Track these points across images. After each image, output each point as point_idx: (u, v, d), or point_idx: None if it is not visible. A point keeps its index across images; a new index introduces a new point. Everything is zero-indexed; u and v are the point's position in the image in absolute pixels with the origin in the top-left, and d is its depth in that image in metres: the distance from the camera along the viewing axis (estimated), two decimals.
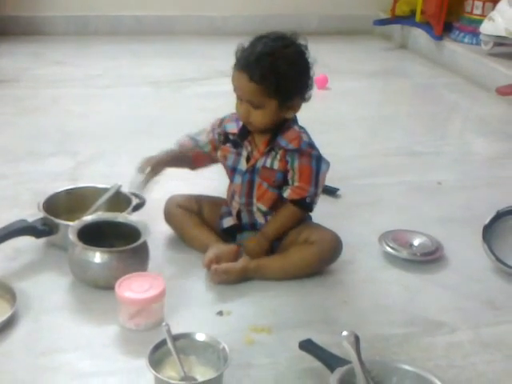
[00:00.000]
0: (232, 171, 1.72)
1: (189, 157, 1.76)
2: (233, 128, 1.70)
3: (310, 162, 1.64)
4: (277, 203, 1.69)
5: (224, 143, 1.72)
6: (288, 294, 1.61)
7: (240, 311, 1.53)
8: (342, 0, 4.35)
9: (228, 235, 1.76)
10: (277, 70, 1.56)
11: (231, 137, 1.71)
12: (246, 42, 1.61)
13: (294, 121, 1.68)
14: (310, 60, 1.63)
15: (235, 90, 1.62)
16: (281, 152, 1.64)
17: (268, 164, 1.66)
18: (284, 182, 1.66)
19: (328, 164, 1.68)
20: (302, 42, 1.63)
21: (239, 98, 1.62)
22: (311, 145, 1.66)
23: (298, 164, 1.63)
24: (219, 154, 1.74)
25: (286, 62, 1.57)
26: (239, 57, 1.60)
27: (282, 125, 1.65)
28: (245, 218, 1.74)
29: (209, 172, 1.83)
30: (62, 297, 1.56)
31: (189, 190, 1.87)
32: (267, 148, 1.65)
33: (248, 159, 1.68)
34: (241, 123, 1.67)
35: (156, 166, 1.68)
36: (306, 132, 1.67)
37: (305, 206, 1.67)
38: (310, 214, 1.74)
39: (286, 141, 1.64)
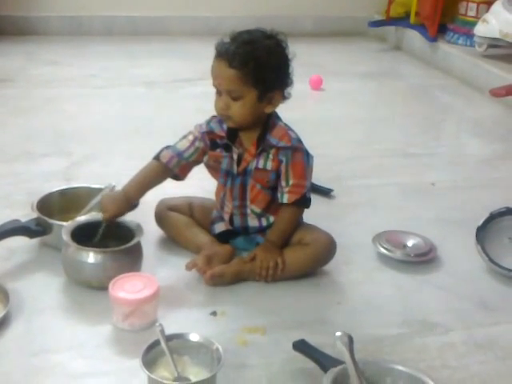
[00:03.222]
0: (226, 175, 1.70)
1: (169, 174, 1.70)
2: (219, 130, 1.67)
3: (302, 157, 1.64)
4: (270, 204, 1.69)
5: (213, 149, 1.69)
6: (282, 295, 1.61)
7: (234, 312, 1.53)
8: (337, 1, 4.35)
9: (220, 241, 1.73)
10: (256, 58, 1.55)
11: (219, 141, 1.68)
12: (228, 35, 1.60)
13: (278, 117, 1.67)
14: (290, 57, 1.63)
15: (214, 80, 1.60)
16: (273, 151, 1.64)
17: (261, 165, 1.65)
18: (277, 182, 1.65)
19: (313, 158, 1.68)
20: (282, 38, 1.62)
21: (218, 91, 1.61)
22: (300, 140, 1.66)
23: (291, 161, 1.63)
24: (207, 159, 1.71)
25: (266, 51, 1.57)
26: (219, 47, 1.59)
27: (266, 122, 1.64)
28: (237, 222, 1.73)
29: (202, 173, 1.83)
30: (56, 297, 1.55)
31: (181, 190, 1.86)
32: (259, 149, 1.65)
33: (238, 162, 1.67)
34: (225, 126, 1.66)
35: (118, 214, 1.64)
36: (290, 128, 1.67)
37: (305, 201, 1.67)
38: (303, 213, 1.73)
39: (275, 139, 1.63)
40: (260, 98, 1.58)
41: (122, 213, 1.65)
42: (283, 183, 1.65)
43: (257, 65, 1.55)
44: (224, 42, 1.59)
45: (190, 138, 1.69)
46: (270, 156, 1.64)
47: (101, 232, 1.63)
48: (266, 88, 1.58)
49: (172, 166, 1.68)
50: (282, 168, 1.64)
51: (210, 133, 1.68)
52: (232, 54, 1.55)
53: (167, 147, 1.70)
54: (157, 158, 1.69)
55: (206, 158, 1.72)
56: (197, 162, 1.73)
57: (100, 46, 3.83)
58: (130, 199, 1.66)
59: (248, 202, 1.70)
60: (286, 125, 1.67)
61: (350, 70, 3.71)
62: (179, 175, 1.71)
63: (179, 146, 1.69)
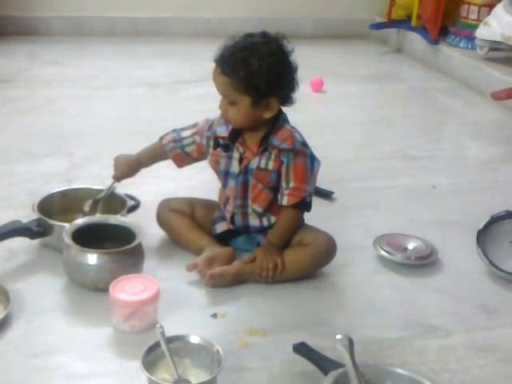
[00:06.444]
0: (225, 175, 1.70)
1: (167, 156, 1.78)
2: (223, 132, 1.68)
3: (304, 162, 1.64)
4: (272, 204, 1.69)
5: (215, 148, 1.70)
6: (282, 297, 1.61)
7: (234, 314, 1.53)
8: (339, 4, 4.36)
9: (221, 241, 1.74)
10: (248, 65, 1.54)
11: (221, 141, 1.69)
12: (232, 38, 1.59)
13: (286, 120, 1.67)
14: (292, 62, 1.61)
15: (214, 84, 1.62)
16: (275, 152, 1.64)
17: (262, 165, 1.65)
18: (278, 182, 1.65)
19: (319, 163, 1.68)
20: (286, 43, 1.60)
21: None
22: (304, 144, 1.65)
23: (292, 163, 1.63)
24: (210, 159, 1.72)
25: (259, 59, 1.54)
26: (218, 52, 1.59)
27: (273, 124, 1.64)
28: (238, 221, 1.73)
29: (203, 174, 1.83)
30: (56, 298, 1.55)
31: (183, 191, 1.87)
32: (260, 148, 1.65)
33: (240, 161, 1.67)
34: (230, 126, 1.66)
35: (127, 175, 1.80)
36: (297, 131, 1.67)
37: (305, 205, 1.66)
38: (303, 216, 1.73)
39: (278, 140, 1.63)
40: (254, 105, 1.58)
41: (132, 174, 1.79)
42: (283, 185, 1.64)
43: (247, 73, 1.54)
44: (223, 47, 1.58)
45: (195, 129, 1.74)
46: (272, 156, 1.64)
47: (106, 195, 1.78)
48: (259, 95, 1.57)
49: (167, 150, 1.75)
50: (283, 169, 1.64)
51: (213, 136, 1.70)
52: (224, 62, 1.55)
53: (174, 130, 1.77)
54: (161, 137, 1.77)
55: (209, 159, 1.72)
56: (194, 158, 1.76)
57: (101, 47, 3.83)
58: (140, 164, 1.79)
59: (249, 201, 1.70)
60: (292, 127, 1.67)
61: (352, 72, 3.71)
62: (174, 162, 1.78)
63: (183, 133, 1.75)
